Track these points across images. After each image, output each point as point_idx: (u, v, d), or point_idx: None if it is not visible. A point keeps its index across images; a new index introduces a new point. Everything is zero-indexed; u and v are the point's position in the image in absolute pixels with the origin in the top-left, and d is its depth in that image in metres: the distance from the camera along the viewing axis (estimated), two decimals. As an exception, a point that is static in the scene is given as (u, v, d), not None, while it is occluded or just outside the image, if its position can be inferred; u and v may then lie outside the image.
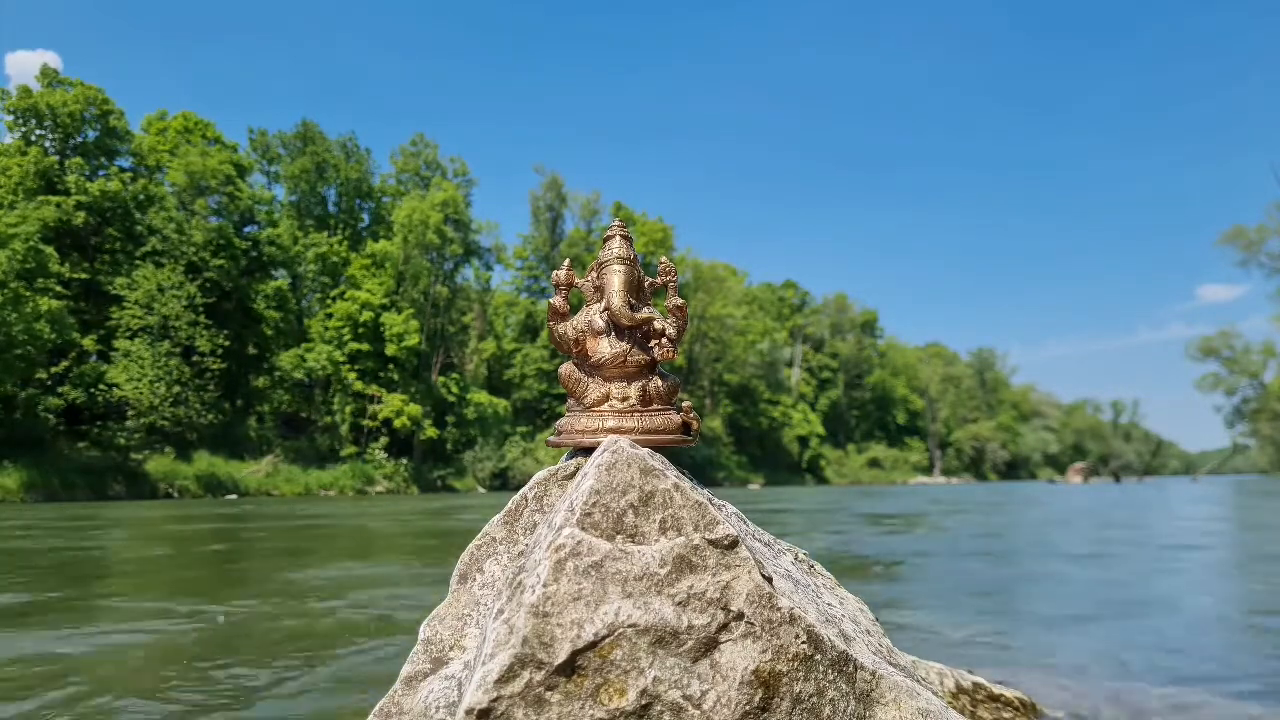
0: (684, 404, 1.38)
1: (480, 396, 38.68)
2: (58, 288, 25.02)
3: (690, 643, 1.02)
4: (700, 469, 43.49)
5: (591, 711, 0.97)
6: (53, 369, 25.74)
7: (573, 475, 1.30)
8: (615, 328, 1.34)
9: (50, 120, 28.74)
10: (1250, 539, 7.83)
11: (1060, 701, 2.01)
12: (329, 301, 36.53)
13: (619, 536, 1.06)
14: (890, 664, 1.34)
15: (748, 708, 1.01)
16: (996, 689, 1.72)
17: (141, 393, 26.79)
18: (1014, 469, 76.73)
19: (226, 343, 30.09)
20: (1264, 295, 54.98)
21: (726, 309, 49.25)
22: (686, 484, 1.15)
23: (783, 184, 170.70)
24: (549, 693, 0.96)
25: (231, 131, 49.11)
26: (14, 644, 2.86)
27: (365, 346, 35.29)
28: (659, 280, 1.42)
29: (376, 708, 1.19)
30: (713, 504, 1.16)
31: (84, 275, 28.16)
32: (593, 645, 0.98)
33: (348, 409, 34.32)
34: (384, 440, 34.27)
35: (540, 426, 40.08)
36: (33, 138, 28.84)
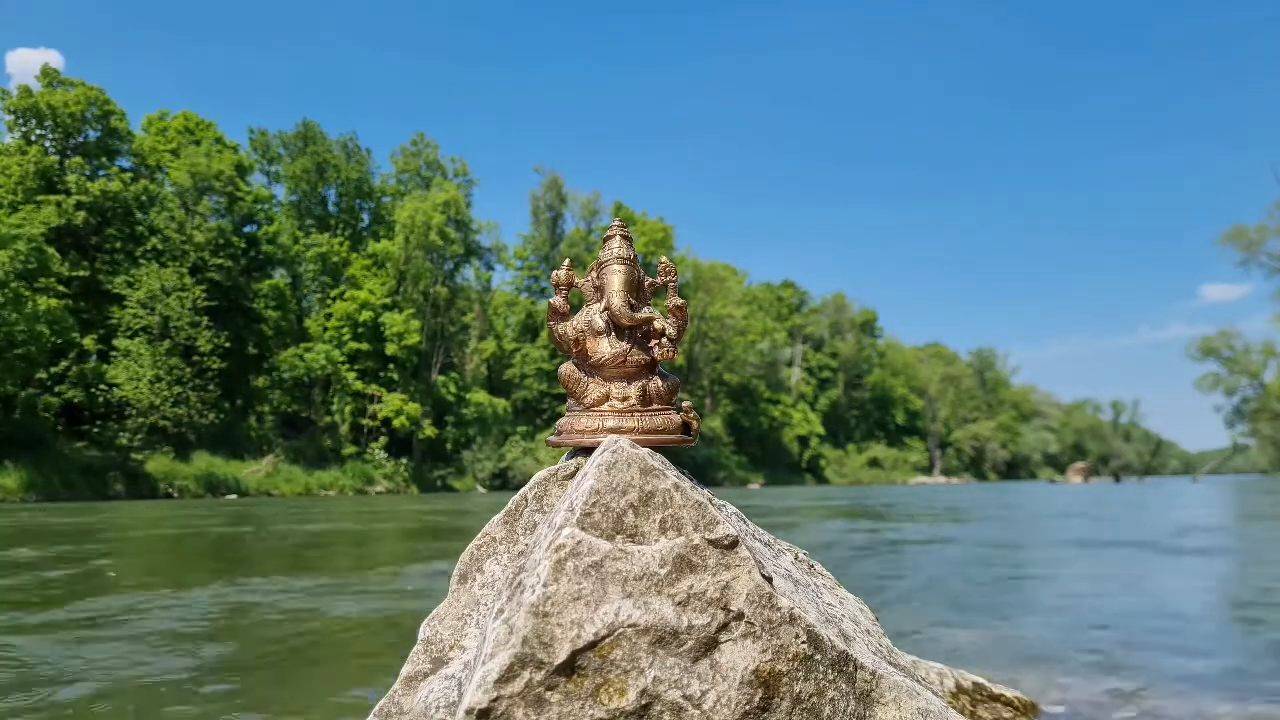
0: (684, 404, 1.38)
1: (480, 396, 38.71)
2: (59, 287, 25.05)
3: (690, 643, 1.02)
4: (700, 469, 43.50)
5: (591, 711, 0.97)
6: (53, 369, 25.76)
7: (573, 475, 1.30)
8: (615, 328, 1.34)
9: (50, 120, 28.77)
10: (1252, 538, 7.83)
11: (1060, 701, 2.01)
12: (329, 301, 36.57)
13: (619, 536, 1.06)
14: (890, 664, 1.35)
15: (748, 708, 1.02)
16: (996, 689, 1.72)
17: (141, 392, 26.80)
18: (1014, 469, 76.73)
19: (227, 343, 30.11)
20: (1265, 295, 54.95)
21: (726, 309, 49.26)
22: (686, 484, 1.15)
23: (783, 184, 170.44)
24: (549, 693, 0.96)
25: (232, 131, 49.17)
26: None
27: (365, 346, 35.32)
28: (659, 280, 1.42)
29: (376, 708, 1.19)
30: (713, 504, 1.16)
31: (84, 274, 28.19)
32: (593, 645, 0.98)
33: (347, 409, 34.35)
34: (383, 440, 34.29)
35: (540, 426, 40.11)
36: (33, 137, 28.87)
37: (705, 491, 1.21)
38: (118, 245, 29.55)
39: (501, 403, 39.51)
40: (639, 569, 1.03)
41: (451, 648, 1.23)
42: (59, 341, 24.71)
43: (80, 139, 29.82)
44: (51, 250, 24.69)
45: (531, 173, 66.78)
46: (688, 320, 1.40)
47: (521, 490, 1.33)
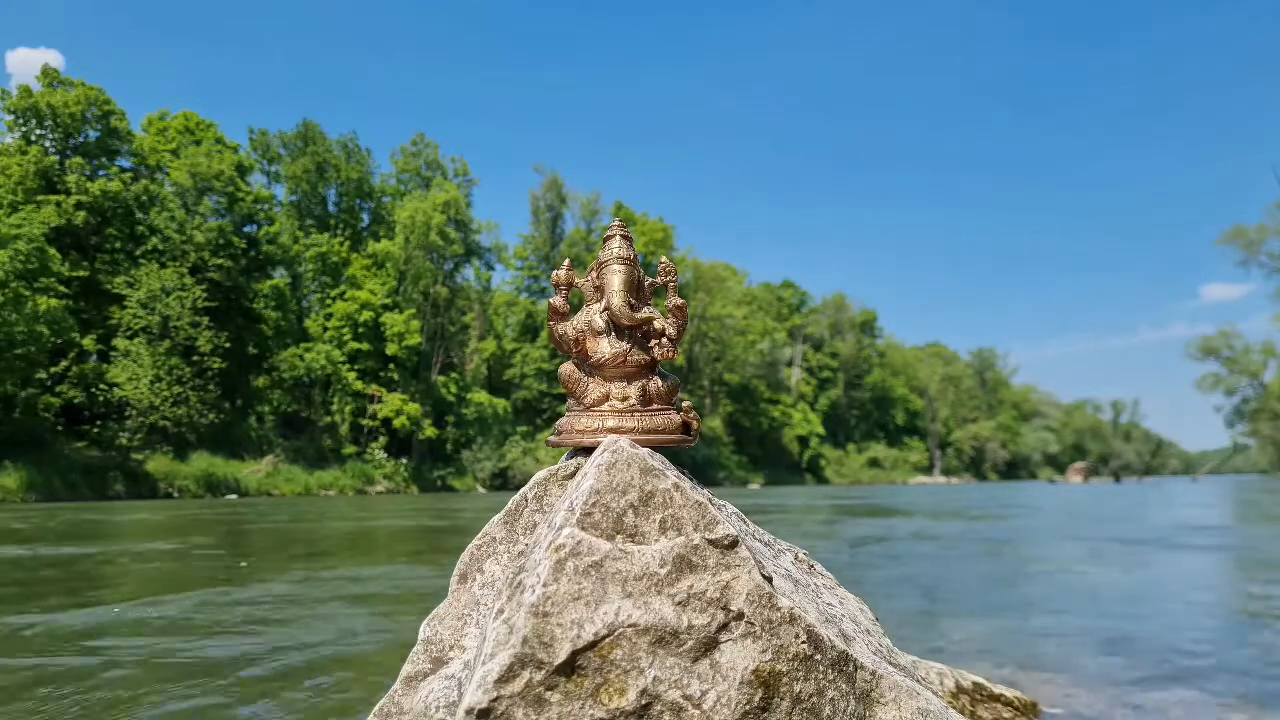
0: (684, 404, 1.38)
1: (480, 396, 38.70)
2: (59, 287, 25.04)
3: (690, 642, 1.02)
4: (700, 469, 43.49)
5: (591, 711, 0.97)
6: (53, 369, 25.75)
7: (573, 475, 1.30)
8: (615, 328, 1.34)
9: (50, 120, 28.75)
10: (1253, 537, 7.83)
11: (1060, 701, 2.01)
12: (329, 301, 36.57)
13: (619, 536, 1.06)
14: (890, 664, 1.34)
15: (748, 707, 1.01)
16: (996, 689, 1.72)
17: (141, 392, 26.79)
18: (1014, 469, 76.73)
19: (227, 343, 30.10)
20: (1265, 295, 55.00)
21: (726, 309, 49.25)
22: (686, 484, 1.15)
23: (783, 184, 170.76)
24: (549, 692, 0.96)
25: (232, 131, 49.23)
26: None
27: (365, 346, 35.31)
28: (659, 280, 1.42)
29: (376, 707, 1.19)
30: (713, 504, 1.16)
31: (83, 274, 28.18)
32: (593, 645, 0.98)
33: (347, 409, 34.34)
34: (383, 440, 34.28)
35: (540, 426, 40.09)
36: (33, 137, 28.85)
37: (705, 491, 1.21)
38: (118, 245, 29.53)
39: (501, 403, 39.50)
40: (639, 569, 1.03)
41: (451, 648, 1.22)
42: (59, 341, 24.69)
43: (80, 139, 29.79)
44: (52, 250, 24.65)
45: (531, 173, 66.72)
46: (688, 320, 1.40)
47: (521, 490, 1.33)
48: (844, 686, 1.11)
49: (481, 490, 35.04)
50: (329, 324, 35.49)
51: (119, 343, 27.84)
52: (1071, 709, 1.95)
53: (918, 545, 6.92)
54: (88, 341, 27.34)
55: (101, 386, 26.61)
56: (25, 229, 23.32)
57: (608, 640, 0.99)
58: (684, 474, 1.23)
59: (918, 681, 1.40)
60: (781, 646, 1.05)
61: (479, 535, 1.32)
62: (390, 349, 35.30)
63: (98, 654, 2.64)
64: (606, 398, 1.33)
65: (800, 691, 1.05)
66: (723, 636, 1.03)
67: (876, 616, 1.59)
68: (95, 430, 26.25)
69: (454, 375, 39.02)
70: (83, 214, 28.06)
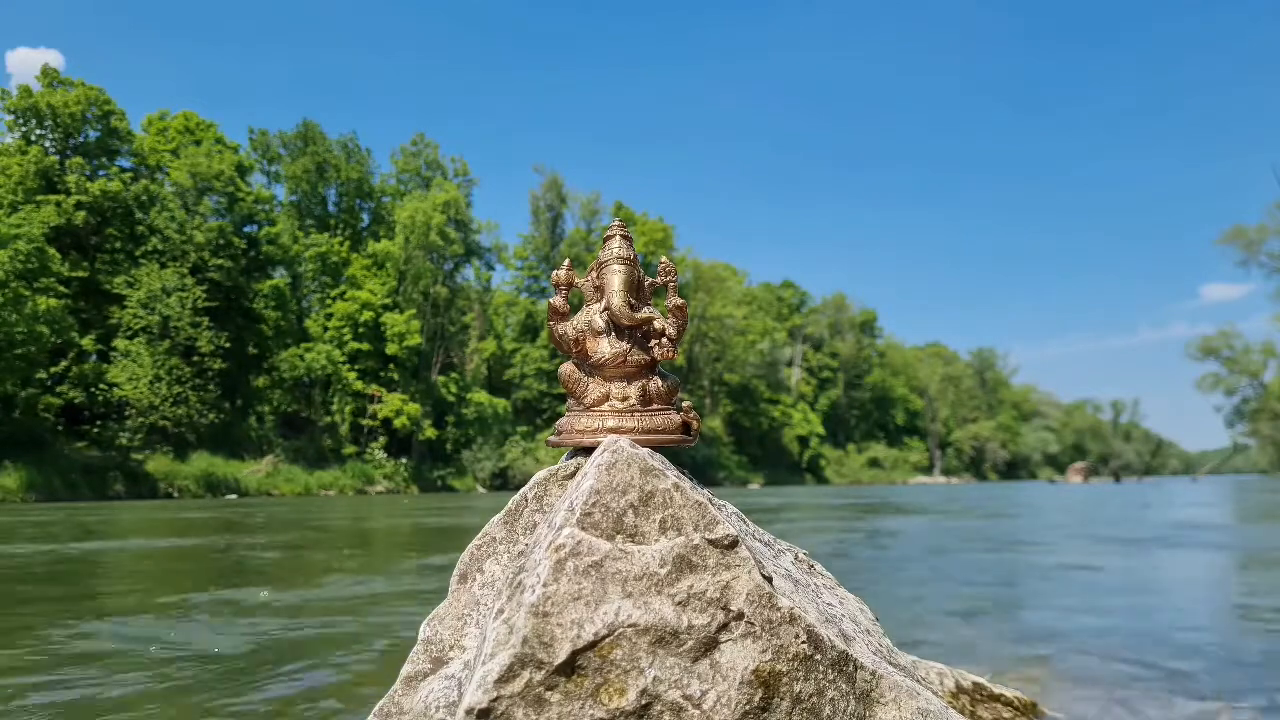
0: (684, 404, 1.38)
1: (480, 396, 38.70)
2: (59, 287, 25.04)
3: (690, 642, 1.02)
4: (700, 469, 43.48)
5: (591, 711, 0.97)
6: (53, 369, 25.74)
7: (573, 475, 1.30)
8: (615, 328, 1.33)
9: (51, 120, 28.74)
10: (1251, 537, 7.82)
11: (1060, 701, 2.01)
12: (329, 301, 36.56)
13: (619, 536, 1.06)
14: (890, 664, 1.34)
15: (748, 707, 1.01)
16: (996, 689, 1.72)
17: (141, 392, 26.78)
18: (1014, 469, 76.73)
19: (227, 343, 30.09)
20: (1265, 295, 54.99)
21: (726, 309, 49.25)
22: (686, 484, 1.15)
23: (783, 184, 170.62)
24: (549, 692, 0.96)
25: (232, 131, 49.24)
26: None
27: (365, 346, 35.31)
28: (659, 280, 1.42)
29: (376, 707, 1.19)
30: (713, 504, 1.16)
31: (83, 274, 28.17)
32: (593, 645, 0.98)
33: (347, 409, 34.33)
34: (383, 440, 34.27)
35: (540, 426, 40.09)
36: (33, 137, 28.84)
37: (705, 491, 1.21)
38: (118, 245, 29.52)
39: (501, 403, 39.49)
40: (639, 569, 1.03)
41: (451, 648, 1.22)
42: (59, 341, 24.69)
43: (80, 139, 29.79)
44: (51, 250, 24.65)
45: (531, 173, 66.69)
46: (688, 320, 1.40)
47: (521, 490, 1.33)
48: (844, 686, 1.11)
49: (481, 490, 35.04)
50: (329, 324, 35.49)
51: (119, 343, 27.83)
52: (1071, 709, 1.95)
53: (917, 545, 6.92)
54: (87, 341, 27.33)
55: (101, 386, 26.60)
56: (25, 229, 23.32)
57: (608, 640, 0.99)
58: (684, 474, 1.23)
59: (918, 681, 1.40)
60: (781, 646, 1.05)
61: (479, 535, 1.32)
62: (390, 349, 35.30)
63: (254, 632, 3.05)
64: (606, 398, 1.33)
65: (800, 691, 1.05)
66: (723, 636, 1.03)
67: (876, 616, 1.59)
68: (95, 430, 26.25)
69: (454, 375, 39.02)
70: (83, 214, 28.05)
